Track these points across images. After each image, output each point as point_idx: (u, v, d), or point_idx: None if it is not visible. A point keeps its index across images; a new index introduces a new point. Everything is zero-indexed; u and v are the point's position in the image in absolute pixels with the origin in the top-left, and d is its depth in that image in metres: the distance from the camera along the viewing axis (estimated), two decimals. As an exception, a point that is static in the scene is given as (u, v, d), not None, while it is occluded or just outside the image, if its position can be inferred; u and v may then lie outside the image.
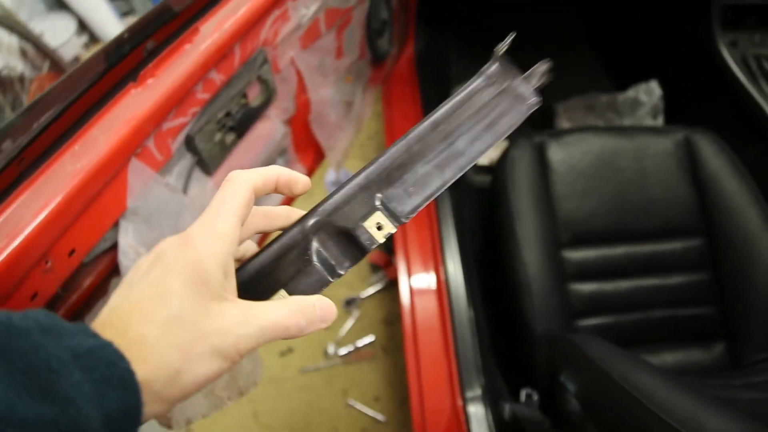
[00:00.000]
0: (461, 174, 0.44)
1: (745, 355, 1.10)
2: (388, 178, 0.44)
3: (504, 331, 1.24)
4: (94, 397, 0.27)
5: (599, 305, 1.16)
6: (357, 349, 1.71)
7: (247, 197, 0.38)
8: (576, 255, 1.18)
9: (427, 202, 0.44)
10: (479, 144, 0.45)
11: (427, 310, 1.14)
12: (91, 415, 0.27)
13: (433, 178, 0.44)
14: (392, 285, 1.81)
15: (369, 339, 1.72)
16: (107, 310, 0.33)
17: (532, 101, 0.46)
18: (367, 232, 0.42)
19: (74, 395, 0.26)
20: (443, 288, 1.14)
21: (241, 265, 0.42)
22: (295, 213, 0.44)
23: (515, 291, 1.11)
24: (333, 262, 0.43)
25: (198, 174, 0.86)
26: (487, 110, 0.46)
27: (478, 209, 1.54)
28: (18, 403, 0.24)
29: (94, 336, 0.29)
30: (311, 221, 0.43)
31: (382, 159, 0.44)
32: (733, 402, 0.76)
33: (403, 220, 0.43)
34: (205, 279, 0.33)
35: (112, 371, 0.28)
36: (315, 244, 0.42)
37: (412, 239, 1.25)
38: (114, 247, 0.72)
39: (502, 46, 0.48)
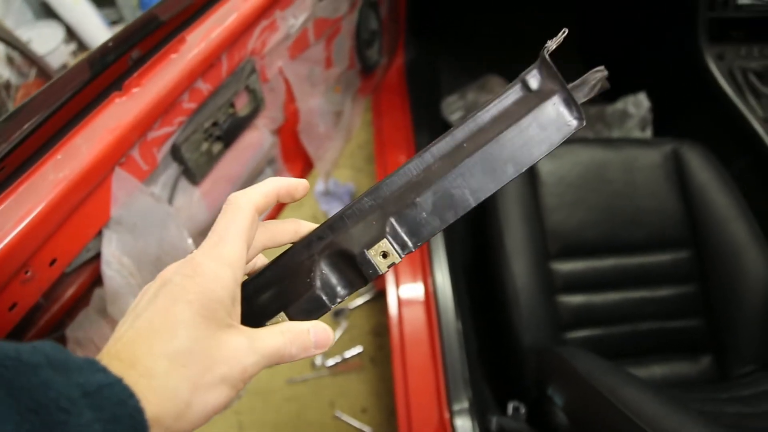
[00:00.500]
0: (482, 200, 0.40)
1: (731, 367, 1.10)
2: (401, 200, 0.40)
3: (492, 342, 1.24)
4: None
5: (588, 317, 1.15)
6: (345, 360, 1.69)
7: (250, 220, 0.37)
8: (565, 267, 1.18)
9: (442, 229, 0.40)
10: (506, 169, 0.39)
11: (415, 321, 1.13)
12: None
13: (450, 202, 0.39)
14: (381, 295, 1.80)
15: (357, 350, 1.71)
16: (113, 340, 0.32)
17: (573, 122, 0.39)
18: (371, 261, 0.39)
19: None
20: (431, 299, 1.14)
21: (247, 280, 0.41)
22: (303, 228, 0.42)
23: (503, 302, 1.11)
24: (334, 288, 0.41)
25: (184, 184, 0.85)
26: (520, 129, 0.39)
27: (467, 220, 1.54)
28: None
29: (103, 371, 0.28)
30: (317, 242, 0.41)
31: (396, 177, 0.40)
32: (719, 416, 0.76)
33: (412, 248, 0.40)
34: (215, 309, 0.33)
35: (122, 410, 0.27)
36: (319, 267, 0.41)
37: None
38: (97, 257, 0.71)
39: (552, 44, 0.40)
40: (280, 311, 0.40)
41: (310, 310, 0.40)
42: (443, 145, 0.40)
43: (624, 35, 1.95)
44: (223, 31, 0.77)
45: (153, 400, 0.29)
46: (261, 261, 0.44)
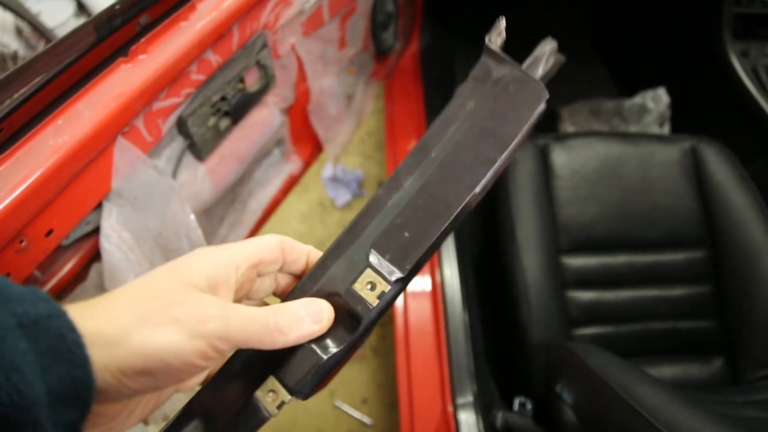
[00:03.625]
0: (465, 203, 0.37)
1: (745, 371, 1.07)
2: (379, 227, 0.37)
3: (499, 336, 1.21)
4: (38, 370, 0.25)
5: (597, 314, 1.12)
6: (347, 349, 1.67)
7: (274, 243, 0.37)
8: (576, 262, 1.15)
9: (431, 247, 0.36)
10: (482, 165, 0.37)
11: (421, 312, 1.11)
12: (36, 386, 0.25)
13: (432, 214, 0.37)
14: (386, 285, 1.77)
15: (359, 339, 1.68)
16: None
17: (540, 96, 0.37)
18: (359, 295, 0.36)
19: (20, 363, 0.24)
20: (438, 290, 1.11)
21: (236, 355, 0.37)
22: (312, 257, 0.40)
23: (512, 296, 1.08)
24: (326, 336, 0.36)
25: (189, 159, 0.83)
26: (484, 117, 0.38)
27: (477, 210, 1.50)
28: None
29: (46, 301, 0.27)
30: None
31: (370, 207, 0.38)
32: (737, 419, 0.73)
33: (401, 274, 0.36)
34: (187, 276, 0.32)
35: (60, 343, 0.26)
36: None
37: (408, 238, 1.22)
38: (96, 231, 0.69)
39: (494, 36, 0.39)
40: (268, 376, 0.36)
41: (302, 369, 0.35)
42: (411, 160, 0.38)
43: (644, 29, 1.91)
44: (236, 1, 0.74)
45: (92, 322, 0.28)
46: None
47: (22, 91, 0.56)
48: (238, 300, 0.36)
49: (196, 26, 0.70)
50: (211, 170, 0.86)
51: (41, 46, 1.74)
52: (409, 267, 0.36)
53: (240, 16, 0.77)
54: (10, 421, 0.23)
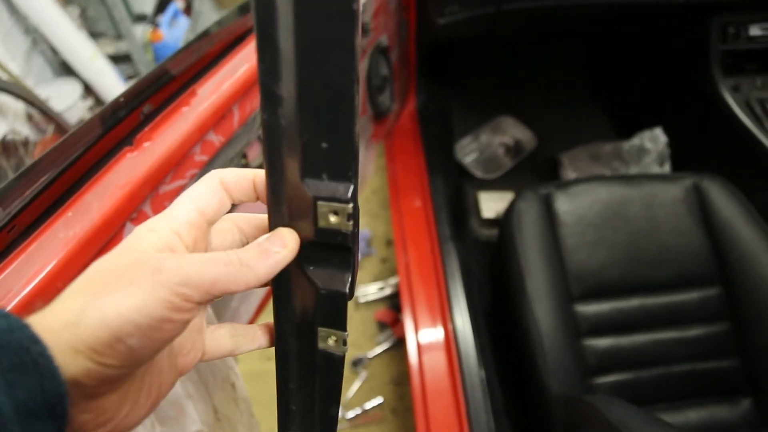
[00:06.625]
0: (355, 73, 0.29)
1: (774, 411, 1.04)
2: (292, 154, 0.32)
3: (517, 391, 1.19)
4: (4, 387, 0.24)
5: (616, 361, 1.11)
6: (365, 411, 1.64)
7: (209, 187, 0.35)
8: (589, 309, 1.14)
9: (357, 138, 0.31)
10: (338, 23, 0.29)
11: (437, 370, 1.10)
12: (3, 404, 0.24)
13: (335, 107, 0.30)
14: (400, 343, 1.76)
15: (377, 401, 1.66)
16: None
17: None
18: (330, 229, 0.33)
19: None
20: (452, 346, 1.10)
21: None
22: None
23: (527, 348, 1.07)
24: (334, 275, 0.36)
25: (197, 236, 0.84)
26: None
27: (486, 264, 1.51)
28: None
29: (4, 317, 0.26)
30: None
31: (268, 139, 0.32)
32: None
33: (351, 183, 0.32)
34: (137, 249, 0.31)
35: (24, 356, 0.25)
36: (303, 272, 0.36)
37: (418, 296, 1.22)
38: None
39: None
40: (315, 328, 0.38)
41: (333, 312, 0.36)
42: (266, 64, 0.30)
43: (636, 72, 1.95)
44: (234, 82, 0.77)
45: (46, 318, 0.27)
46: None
47: (33, 187, 0.58)
48: None
49: (197, 110, 0.73)
50: (218, 246, 0.87)
51: (50, 130, 1.80)
52: (351, 173, 0.32)
53: (240, 96, 0.80)
54: None
